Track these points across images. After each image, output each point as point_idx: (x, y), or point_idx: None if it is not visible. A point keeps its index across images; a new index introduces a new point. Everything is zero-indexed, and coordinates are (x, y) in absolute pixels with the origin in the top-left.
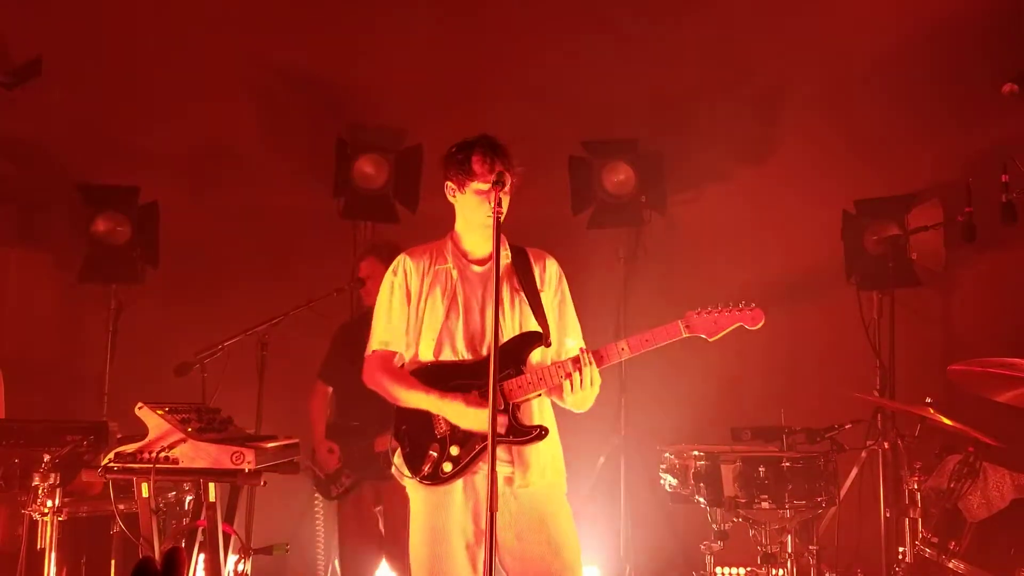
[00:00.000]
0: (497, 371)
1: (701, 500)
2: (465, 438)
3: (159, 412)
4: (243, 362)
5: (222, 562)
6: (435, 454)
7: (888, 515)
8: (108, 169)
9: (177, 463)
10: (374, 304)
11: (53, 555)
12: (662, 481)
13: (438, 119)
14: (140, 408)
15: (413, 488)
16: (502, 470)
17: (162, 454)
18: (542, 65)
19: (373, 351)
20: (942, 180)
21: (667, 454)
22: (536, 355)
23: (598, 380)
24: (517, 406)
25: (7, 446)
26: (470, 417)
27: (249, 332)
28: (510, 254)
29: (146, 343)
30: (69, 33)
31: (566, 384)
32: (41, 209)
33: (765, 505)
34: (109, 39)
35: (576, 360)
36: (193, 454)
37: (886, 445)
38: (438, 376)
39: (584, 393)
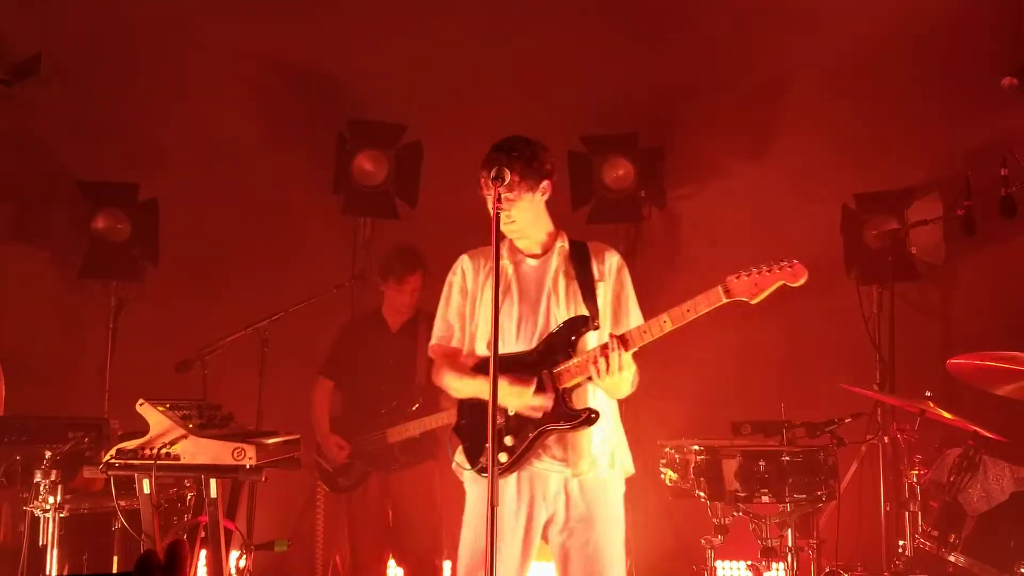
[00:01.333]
0: (497, 366)
1: (701, 494)
2: (518, 427)
3: (160, 408)
4: (244, 358)
5: (223, 558)
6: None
7: (888, 508)
8: (108, 166)
9: (178, 459)
10: (404, 305)
11: (55, 552)
12: (662, 475)
13: (438, 115)
14: (141, 405)
15: (470, 480)
16: (554, 465)
17: (163, 450)
18: (542, 61)
19: (431, 346)
20: (942, 174)
21: (667, 448)
22: (591, 340)
23: (629, 365)
24: (568, 391)
25: (8, 443)
26: (513, 394)
27: (250, 328)
28: (567, 246)
29: (147, 340)
30: (68, 30)
31: (592, 369)
32: (41, 206)
33: (765, 499)
34: (108, 36)
35: (604, 346)
36: (194, 450)
37: (886, 439)
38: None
39: (614, 378)
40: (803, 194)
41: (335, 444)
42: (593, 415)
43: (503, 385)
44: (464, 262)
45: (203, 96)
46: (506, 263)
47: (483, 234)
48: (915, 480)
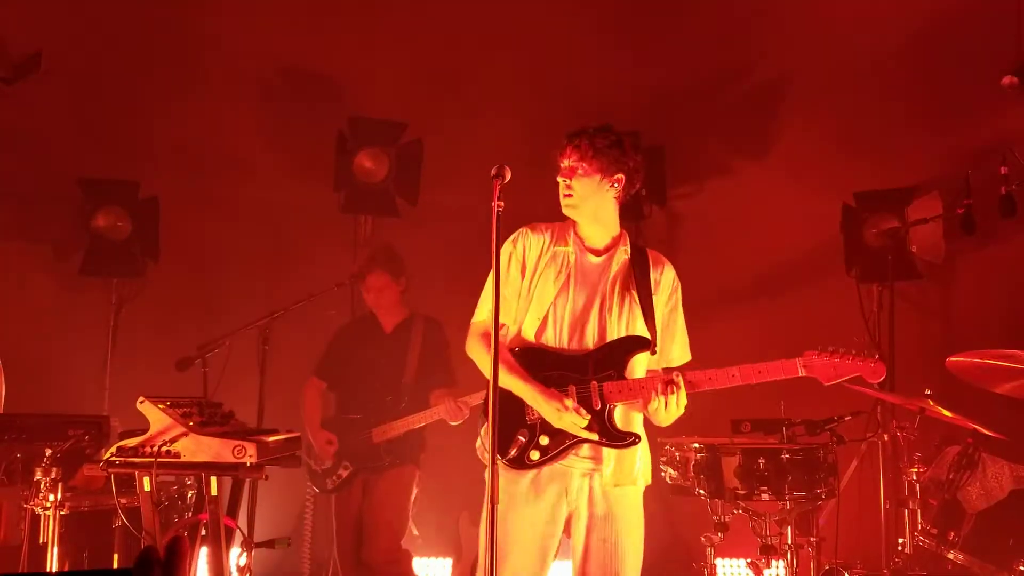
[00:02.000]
0: (498, 363)
1: (701, 492)
2: (556, 430)
3: (161, 406)
4: (244, 356)
5: (224, 555)
6: (523, 439)
7: (888, 506)
8: (108, 164)
9: (179, 457)
10: (375, 305)
11: (55, 549)
12: (662, 473)
13: (438, 113)
14: (142, 402)
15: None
16: (586, 466)
17: (164, 448)
18: (542, 59)
19: (479, 320)
20: (942, 173)
21: (667, 446)
22: (641, 361)
23: (684, 404)
24: (612, 408)
25: (9, 441)
26: (565, 422)
27: (250, 326)
28: (629, 252)
29: (147, 337)
30: (69, 28)
31: (653, 399)
32: (41, 204)
33: (765, 497)
34: (109, 33)
35: (668, 382)
36: (195, 448)
37: (886, 437)
38: (537, 360)
39: (667, 414)
40: (803, 192)
41: (324, 440)
42: (636, 440)
43: (555, 407)
44: (527, 236)
45: (204, 93)
46: (569, 250)
47: (483, 232)
48: (915, 478)
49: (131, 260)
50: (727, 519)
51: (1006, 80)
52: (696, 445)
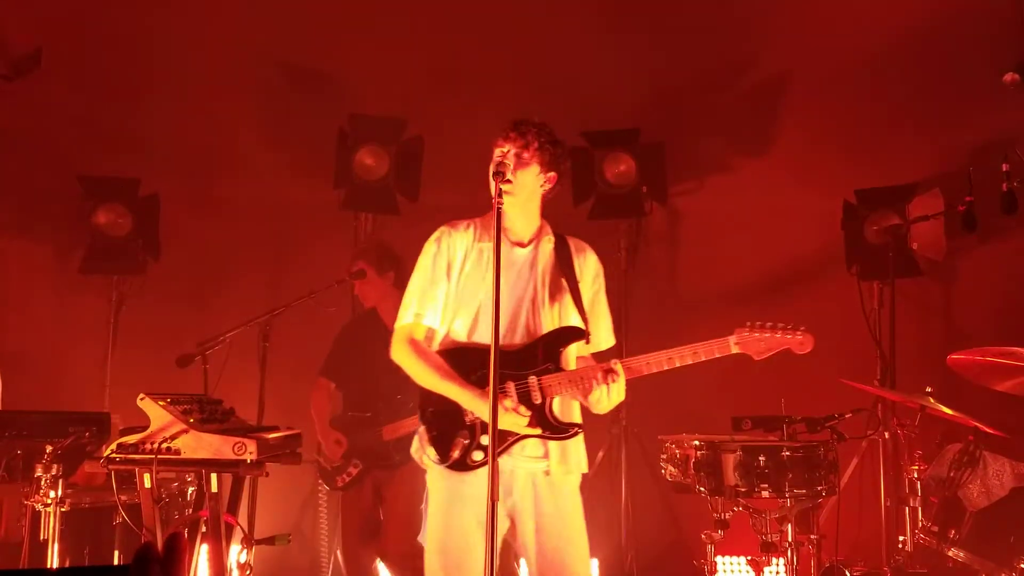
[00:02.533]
0: (498, 361)
1: (702, 489)
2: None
3: (161, 403)
4: (245, 353)
5: (224, 552)
6: (465, 441)
7: (888, 504)
8: (108, 161)
9: (179, 454)
10: (372, 305)
11: (56, 546)
12: (663, 470)
13: (439, 110)
14: (142, 399)
15: (436, 474)
16: (539, 464)
17: (164, 445)
18: (543, 56)
19: (404, 323)
20: (943, 170)
21: (668, 443)
22: (571, 350)
23: (624, 391)
24: (552, 400)
25: (9, 437)
26: (506, 421)
27: (250, 323)
28: (553, 241)
29: (148, 334)
30: (68, 25)
31: (596, 387)
32: (42, 201)
33: (765, 494)
34: (109, 30)
35: (608, 370)
36: (195, 445)
37: (887, 435)
38: (469, 360)
39: (609, 400)
40: (804, 189)
41: (334, 440)
42: (578, 430)
43: (475, 401)
44: (449, 234)
45: (204, 91)
46: (488, 245)
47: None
48: (915, 476)
49: (131, 257)
50: (728, 516)
51: (1008, 77)
52: (696, 442)
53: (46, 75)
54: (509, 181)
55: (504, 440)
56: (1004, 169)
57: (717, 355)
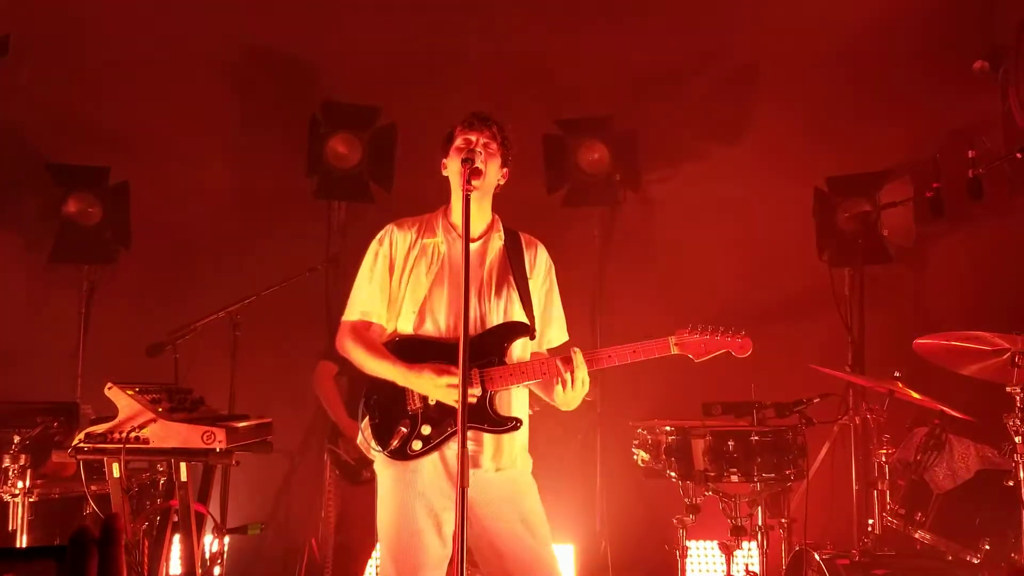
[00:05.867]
0: (467, 352)
1: (672, 474)
2: (439, 419)
3: (129, 392)
4: (216, 342)
5: (195, 541)
6: (405, 430)
7: (859, 488)
8: (78, 149)
9: (148, 443)
10: None
11: (25, 537)
12: (635, 456)
13: (412, 98)
14: (109, 388)
15: (380, 462)
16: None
17: (132, 434)
18: (516, 44)
19: (346, 321)
20: (914, 157)
21: (639, 429)
22: (517, 346)
23: (588, 383)
24: (494, 394)
25: None
26: (441, 389)
27: (222, 312)
28: (503, 236)
29: (119, 324)
30: (37, 11)
31: (558, 385)
32: (10, 190)
33: (735, 479)
34: (78, 17)
35: (568, 360)
36: (164, 434)
37: (857, 419)
38: (414, 351)
39: (574, 393)
40: (776, 177)
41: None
42: (517, 425)
43: (429, 377)
44: (392, 232)
45: (174, 78)
46: (439, 240)
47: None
48: (883, 459)
49: (102, 246)
50: (698, 501)
51: (977, 64)
52: (667, 428)
53: (13, 62)
54: (479, 170)
55: (443, 431)
56: (970, 156)
57: (656, 356)
